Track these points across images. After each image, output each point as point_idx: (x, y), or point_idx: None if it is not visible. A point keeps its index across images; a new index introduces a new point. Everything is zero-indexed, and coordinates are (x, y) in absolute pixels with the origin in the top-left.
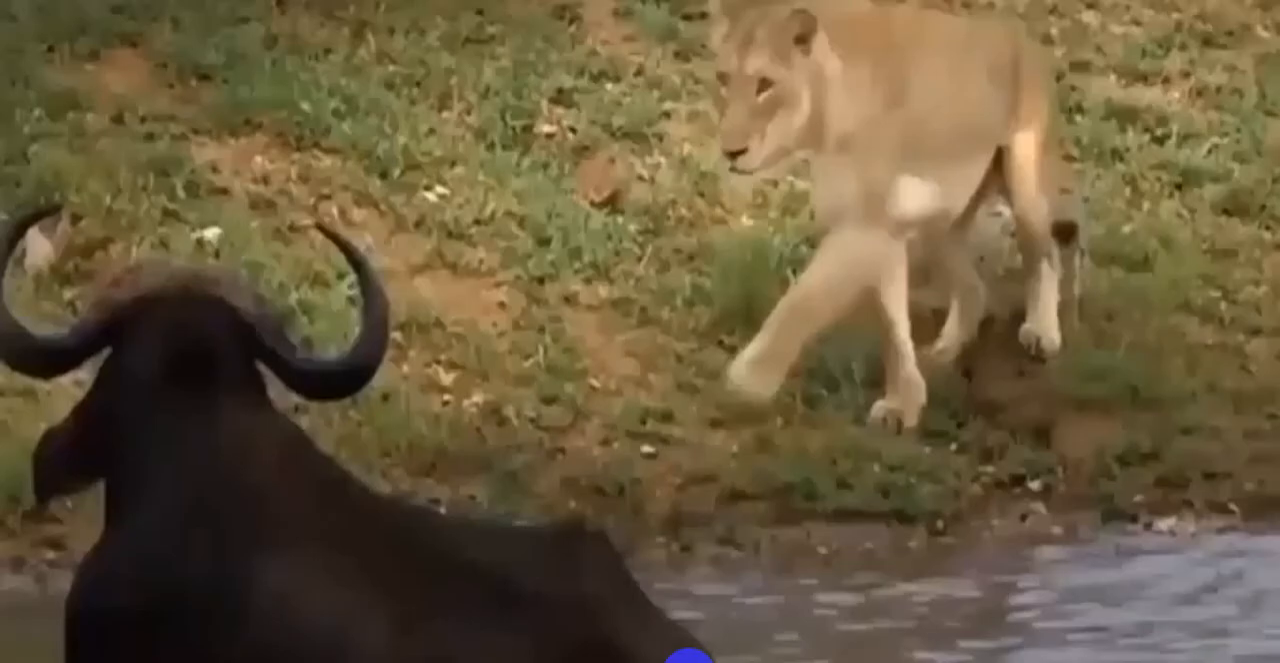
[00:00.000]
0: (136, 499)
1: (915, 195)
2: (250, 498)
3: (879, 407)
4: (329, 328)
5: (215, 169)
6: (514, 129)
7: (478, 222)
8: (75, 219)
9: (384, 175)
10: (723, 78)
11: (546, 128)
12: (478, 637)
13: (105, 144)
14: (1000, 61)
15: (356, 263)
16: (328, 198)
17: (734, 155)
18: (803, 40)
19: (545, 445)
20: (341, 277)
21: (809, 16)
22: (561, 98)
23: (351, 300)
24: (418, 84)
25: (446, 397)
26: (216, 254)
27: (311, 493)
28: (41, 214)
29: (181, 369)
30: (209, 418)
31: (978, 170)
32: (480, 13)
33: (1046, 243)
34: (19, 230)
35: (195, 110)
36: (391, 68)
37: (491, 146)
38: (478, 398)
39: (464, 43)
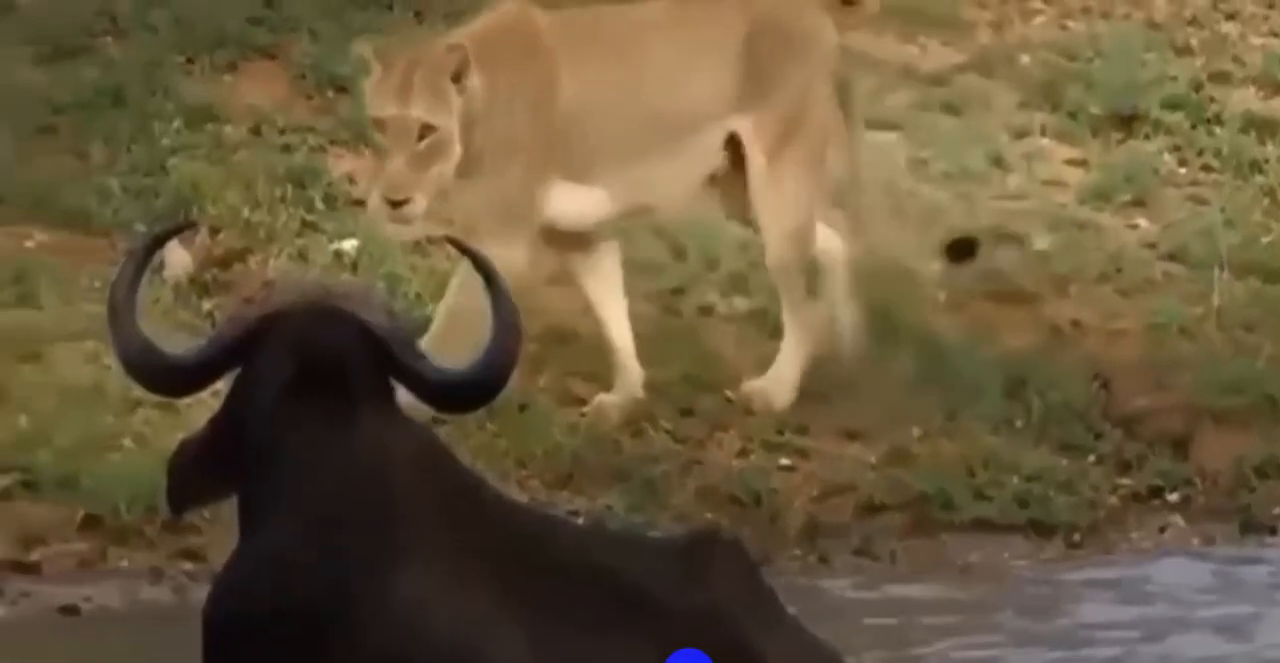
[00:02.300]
0: (269, 510)
1: (570, 201)
2: (382, 508)
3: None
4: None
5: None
6: None
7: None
8: (213, 231)
9: None
10: (379, 124)
11: None
12: (608, 646)
13: (243, 156)
14: (713, 41)
15: (487, 275)
16: None
17: (396, 205)
18: (458, 78)
19: (682, 456)
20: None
21: (462, 52)
22: None
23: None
24: None
25: (583, 408)
26: (354, 266)
27: (444, 502)
28: (177, 230)
29: (312, 383)
30: (340, 430)
31: (680, 163)
32: None
33: (790, 271)
34: (155, 246)
35: (333, 122)
36: None
37: None
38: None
39: None
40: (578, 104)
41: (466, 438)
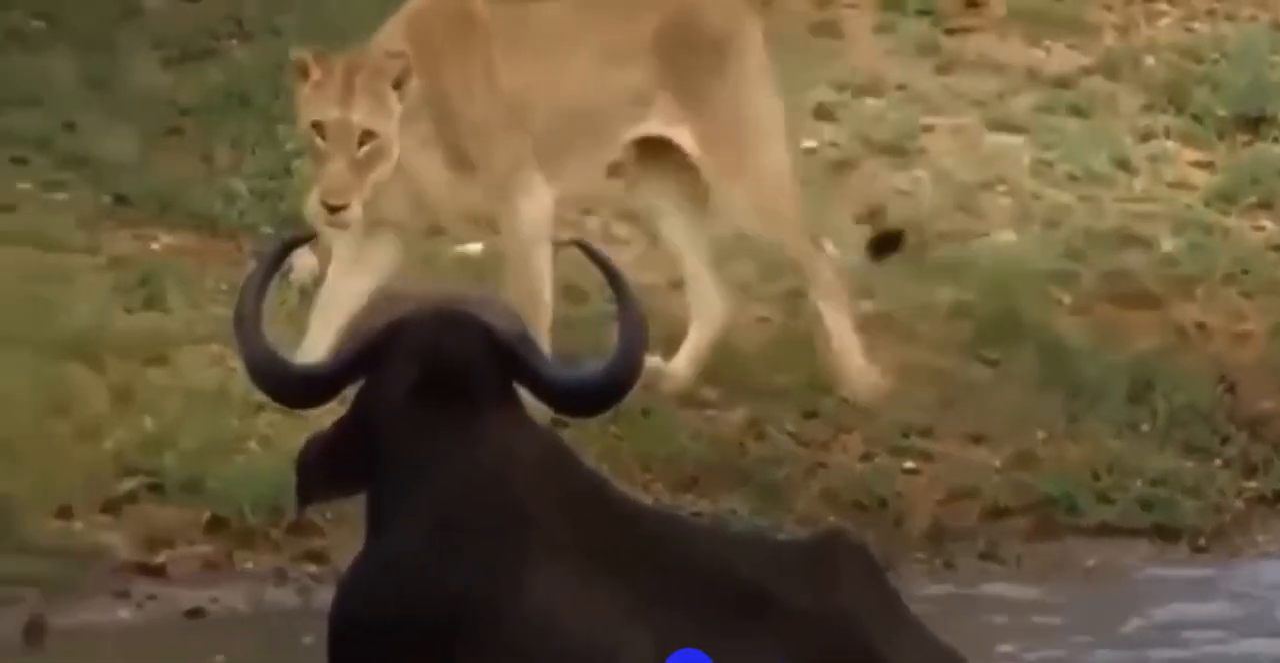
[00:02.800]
0: (394, 514)
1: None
2: (506, 511)
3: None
4: (587, 343)
5: None
6: None
7: (738, 237)
8: None
9: None
10: (318, 128)
11: (808, 143)
12: (734, 647)
13: None
14: (623, 37)
15: (613, 278)
16: (590, 212)
17: (334, 210)
18: (400, 85)
19: (805, 460)
20: (599, 292)
21: (405, 60)
22: (822, 113)
23: (611, 316)
24: None
25: (709, 411)
26: (479, 269)
27: (568, 503)
28: (304, 240)
29: (437, 388)
30: (466, 434)
31: (596, 161)
32: None
33: (812, 260)
34: (282, 255)
35: None
36: None
37: None
38: (739, 412)
39: None
40: (517, 91)
41: (590, 441)
